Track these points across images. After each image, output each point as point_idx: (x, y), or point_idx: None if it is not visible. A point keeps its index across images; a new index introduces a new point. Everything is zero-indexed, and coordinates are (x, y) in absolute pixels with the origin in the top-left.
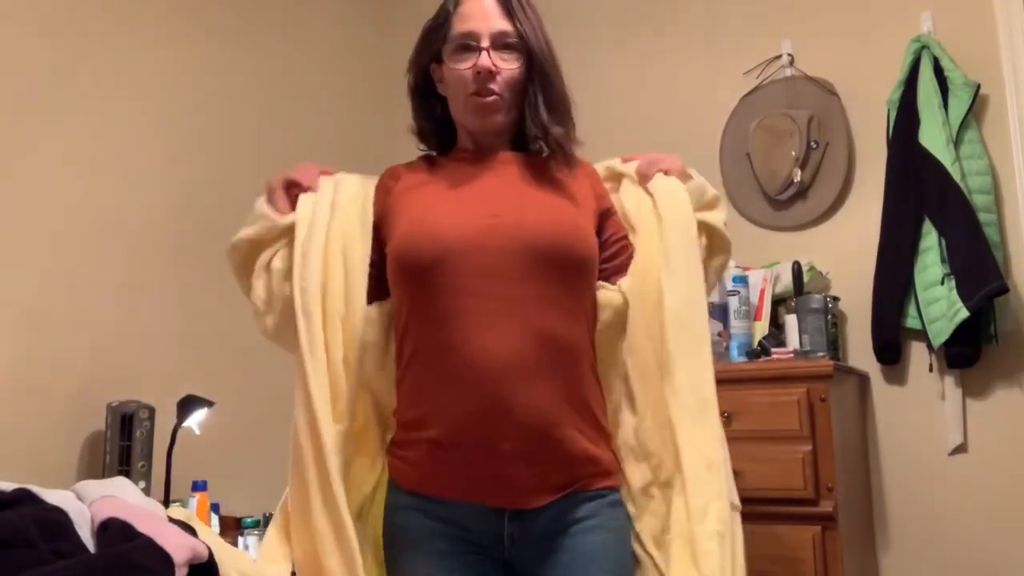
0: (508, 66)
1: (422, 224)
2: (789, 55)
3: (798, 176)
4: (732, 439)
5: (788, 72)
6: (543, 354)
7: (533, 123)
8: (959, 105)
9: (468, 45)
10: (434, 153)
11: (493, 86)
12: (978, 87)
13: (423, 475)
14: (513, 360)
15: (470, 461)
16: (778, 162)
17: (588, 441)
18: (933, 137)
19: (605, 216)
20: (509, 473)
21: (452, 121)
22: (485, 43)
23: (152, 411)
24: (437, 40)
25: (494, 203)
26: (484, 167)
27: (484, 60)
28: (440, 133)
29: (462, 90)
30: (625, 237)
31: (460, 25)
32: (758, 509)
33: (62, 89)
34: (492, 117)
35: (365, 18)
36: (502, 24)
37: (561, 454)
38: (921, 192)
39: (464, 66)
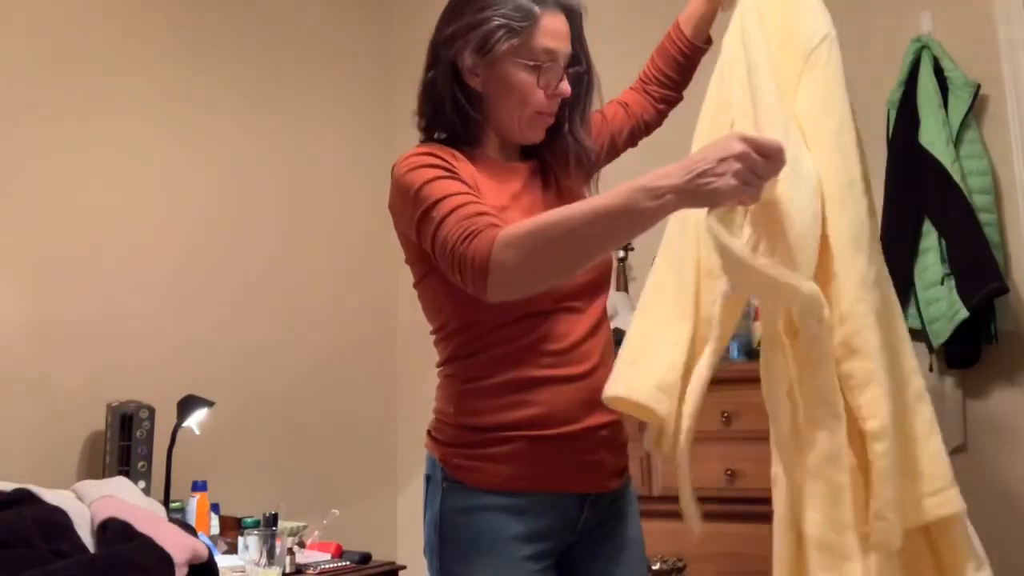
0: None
1: None
2: None
3: None
4: (732, 439)
5: None
6: (611, 349)
7: (573, 137)
8: (959, 105)
9: (550, 64)
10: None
11: (556, 108)
12: (978, 87)
13: (513, 472)
14: (604, 353)
15: (574, 451)
16: None
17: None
18: (933, 137)
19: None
20: (602, 458)
21: (481, 118)
22: (562, 65)
23: (152, 411)
24: (507, 38)
25: None
26: (528, 183)
27: (566, 86)
28: (474, 127)
29: (530, 103)
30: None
31: (544, 40)
32: (759, 509)
33: (62, 89)
34: (542, 135)
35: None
36: (570, 48)
37: (624, 438)
38: (921, 192)
39: (544, 84)
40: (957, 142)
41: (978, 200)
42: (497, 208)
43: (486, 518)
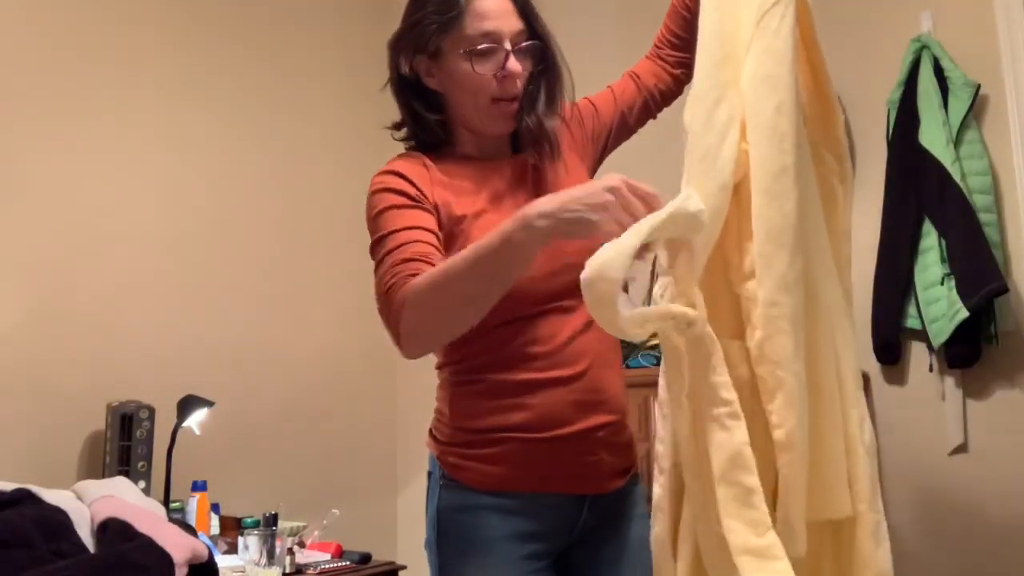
0: (527, 66)
1: None
2: None
3: None
4: None
5: None
6: (610, 347)
7: (535, 117)
8: (959, 105)
9: (490, 47)
10: (415, 148)
11: (516, 89)
12: (978, 87)
13: (507, 473)
14: (600, 353)
15: (569, 452)
16: None
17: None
18: (933, 137)
19: (600, 133)
20: (600, 459)
21: (446, 118)
22: (508, 45)
23: (152, 411)
24: (442, 34)
25: None
26: (519, 178)
27: (513, 64)
28: (441, 125)
29: (484, 94)
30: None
31: (478, 23)
32: None
33: (60, 87)
34: (511, 122)
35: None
36: (519, 23)
37: (627, 438)
38: (921, 192)
39: (488, 69)
40: (957, 142)
41: (978, 200)
42: (472, 215)
43: (481, 517)
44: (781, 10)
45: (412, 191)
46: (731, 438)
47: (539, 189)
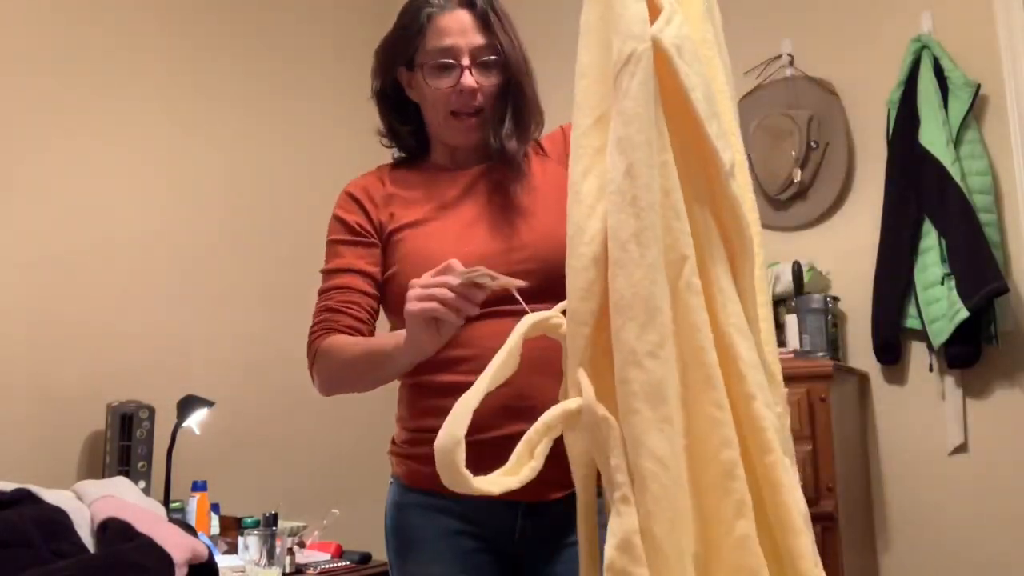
0: (489, 81)
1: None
2: (789, 55)
3: (798, 176)
4: None
5: (788, 72)
6: (551, 355)
7: (493, 134)
8: (959, 105)
9: (447, 63)
10: (395, 156)
11: (475, 103)
12: (978, 87)
13: (432, 472)
14: (534, 360)
15: (492, 457)
16: (778, 162)
17: None
18: (933, 137)
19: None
20: None
21: (423, 126)
22: (466, 60)
23: (152, 411)
24: (410, 50)
25: (502, 229)
26: (472, 187)
27: (467, 79)
28: (414, 136)
29: (442, 107)
30: None
31: (438, 40)
32: None
33: (61, 86)
34: (473, 134)
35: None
36: (480, 38)
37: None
38: (921, 192)
39: (445, 84)
40: (957, 142)
41: (978, 200)
42: (414, 222)
43: (414, 514)
44: (632, 68)
45: (355, 220)
46: (621, 524)
47: (492, 198)
